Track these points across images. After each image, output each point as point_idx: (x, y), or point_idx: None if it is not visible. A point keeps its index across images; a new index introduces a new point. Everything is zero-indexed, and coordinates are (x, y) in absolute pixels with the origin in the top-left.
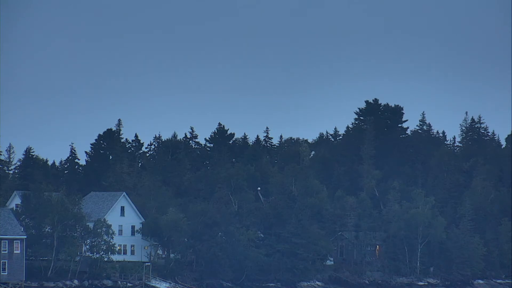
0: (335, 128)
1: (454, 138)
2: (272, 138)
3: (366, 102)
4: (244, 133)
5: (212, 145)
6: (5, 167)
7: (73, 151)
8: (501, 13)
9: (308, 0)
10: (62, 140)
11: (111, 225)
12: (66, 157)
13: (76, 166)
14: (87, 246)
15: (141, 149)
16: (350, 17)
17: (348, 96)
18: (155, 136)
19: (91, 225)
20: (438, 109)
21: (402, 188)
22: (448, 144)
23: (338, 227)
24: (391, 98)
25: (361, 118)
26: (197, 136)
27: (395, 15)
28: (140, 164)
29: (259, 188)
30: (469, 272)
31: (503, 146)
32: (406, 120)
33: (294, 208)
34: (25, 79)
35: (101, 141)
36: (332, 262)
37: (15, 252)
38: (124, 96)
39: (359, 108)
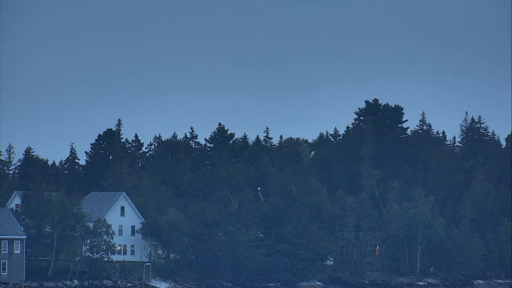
0: (335, 128)
1: (454, 138)
2: (272, 138)
3: (366, 102)
4: (244, 133)
5: (212, 145)
6: (5, 167)
7: (73, 151)
8: (501, 13)
9: (308, 1)
10: (62, 140)
11: (111, 225)
12: (66, 157)
13: (76, 166)
14: (87, 246)
15: (141, 149)
16: (350, 17)
17: (348, 96)
18: (155, 136)
19: (91, 225)
20: (438, 109)
21: (402, 188)
22: (448, 144)
23: (338, 227)
24: (391, 98)
25: (361, 118)
26: (197, 136)
27: (395, 16)
28: (140, 164)
29: (259, 188)
30: (469, 272)
31: (503, 146)
32: (406, 120)
33: (294, 208)
34: (25, 79)
35: (101, 141)
36: (332, 262)
37: (15, 252)
38: (124, 96)
39: (359, 108)
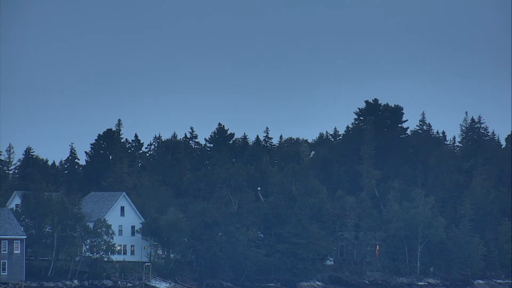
0: (335, 128)
1: (454, 138)
2: (272, 138)
3: (366, 102)
4: (244, 133)
5: (212, 145)
6: (5, 167)
7: (73, 151)
8: (501, 13)
9: (308, 1)
10: (62, 140)
11: (111, 225)
12: (66, 157)
13: (76, 166)
14: (87, 246)
15: (141, 149)
16: (350, 17)
17: (348, 96)
18: (155, 136)
19: (91, 225)
20: (438, 109)
21: (402, 188)
22: (448, 144)
23: (338, 227)
24: (391, 98)
25: (361, 118)
26: (197, 136)
27: (395, 16)
28: (140, 164)
29: (259, 188)
30: (469, 272)
31: (503, 146)
32: (406, 120)
33: (294, 208)
34: (25, 79)
35: (101, 141)
36: (332, 262)
37: (15, 252)
38: (124, 96)
39: (359, 108)
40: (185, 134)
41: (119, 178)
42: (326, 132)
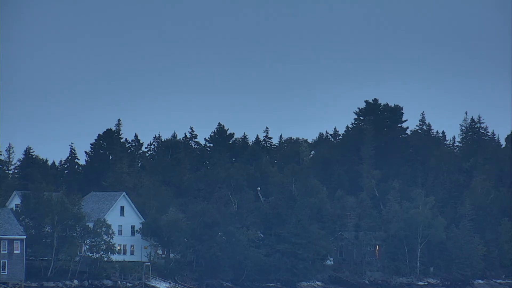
0: (335, 128)
1: (454, 138)
2: (271, 138)
3: (366, 102)
4: (244, 133)
5: (212, 145)
6: (5, 167)
7: (73, 151)
8: (501, 13)
9: (309, 1)
10: (62, 140)
11: (111, 225)
12: (66, 157)
13: (76, 166)
14: (87, 246)
15: (141, 149)
16: (350, 17)
17: (348, 96)
18: (155, 136)
19: (91, 225)
20: (438, 109)
21: (402, 188)
22: (448, 144)
23: (338, 227)
24: (391, 98)
25: (361, 118)
26: (197, 136)
27: (394, 16)
28: (140, 164)
29: (259, 188)
30: (469, 272)
31: (503, 146)
32: (406, 120)
33: (294, 208)
34: (25, 79)
35: (101, 141)
36: (332, 262)
37: (15, 252)
38: (124, 96)
39: (359, 108)
40: (185, 134)
41: (119, 178)
42: (326, 132)
